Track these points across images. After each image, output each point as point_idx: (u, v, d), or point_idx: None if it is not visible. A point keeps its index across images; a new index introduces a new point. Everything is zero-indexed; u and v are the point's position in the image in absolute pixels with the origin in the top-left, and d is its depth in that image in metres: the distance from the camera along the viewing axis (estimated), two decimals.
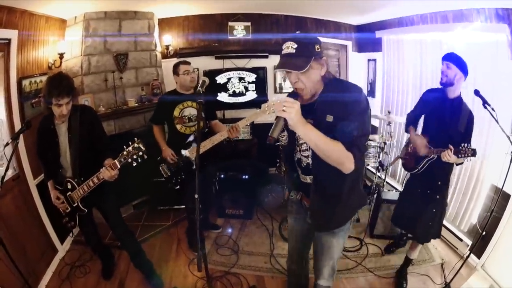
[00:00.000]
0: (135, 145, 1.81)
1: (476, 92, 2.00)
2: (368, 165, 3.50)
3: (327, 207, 1.51)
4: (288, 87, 4.22)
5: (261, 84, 3.98)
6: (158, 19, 3.73)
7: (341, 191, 1.46)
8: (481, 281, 2.37)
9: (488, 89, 2.37)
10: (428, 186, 2.19)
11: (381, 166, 3.37)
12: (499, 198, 2.18)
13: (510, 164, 1.95)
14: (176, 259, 2.80)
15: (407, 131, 2.40)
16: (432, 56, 3.09)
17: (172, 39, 3.81)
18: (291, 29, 4.16)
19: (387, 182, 3.66)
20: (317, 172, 1.45)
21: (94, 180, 1.94)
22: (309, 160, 1.48)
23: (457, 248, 2.78)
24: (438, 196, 2.17)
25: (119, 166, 1.86)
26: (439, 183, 2.17)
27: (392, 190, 3.49)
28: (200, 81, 1.84)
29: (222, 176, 3.36)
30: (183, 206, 3.42)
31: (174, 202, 3.50)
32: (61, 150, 2.05)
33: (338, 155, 1.26)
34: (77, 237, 2.95)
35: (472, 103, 2.60)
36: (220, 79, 3.88)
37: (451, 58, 2.01)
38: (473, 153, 1.89)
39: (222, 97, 3.93)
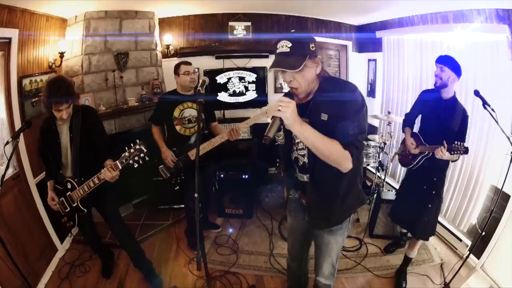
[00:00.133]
0: (137, 146, 1.81)
1: (476, 93, 2.01)
2: (368, 165, 3.51)
3: (324, 206, 1.52)
4: (288, 87, 4.23)
5: (261, 84, 3.98)
6: (159, 18, 3.73)
7: (338, 189, 1.46)
8: (480, 281, 2.37)
9: (488, 89, 2.37)
10: (424, 182, 2.25)
11: (381, 166, 3.38)
12: (499, 199, 2.19)
13: (510, 165, 1.95)
14: (175, 258, 2.80)
15: (403, 131, 2.48)
16: (432, 56, 3.08)
17: (172, 39, 3.81)
18: (291, 29, 4.16)
19: (387, 182, 3.66)
20: (313, 170, 1.45)
21: (95, 180, 1.94)
22: (306, 159, 1.48)
23: (456, 249, 2.78)
24: (434, 192, 2.22)
25: (120, 167, 1.87)
26: (435, 179, 2.22)
27: (391, 190, 3.49)
28: (200, 81, 1.84)
29: (222, 175, 3.36)
30: (182, 206, 3.43)
31: (174, 202, 3.50)
32: (62, 150, 2.06)
33: (335, 154, 1.26)
34: (76, 236, 2.95)
35: (472, 103, 2.62)
36: (220, 78, 3.89)
37: (444, 61, 2.07)
38: (465, 150, 1.95)
39: (222, 96, 3.94)
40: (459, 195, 2.83)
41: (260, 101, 4.00)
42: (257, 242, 3.02)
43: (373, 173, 3.55)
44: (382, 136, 3.46)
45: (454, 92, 2.13)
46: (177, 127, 2.59)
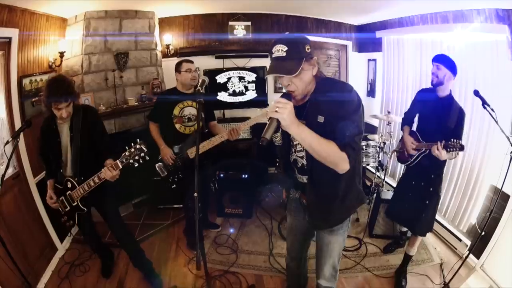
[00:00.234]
0: (137, 146, 1.82)
1: (476, 93, 2.02)
2: (368, 164, 3.51)
3: (324, 206, 1.52)
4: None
5: (261, 83, 3.98)
6: (159, 18, 3.73)
7: (337, 190, 1.46)
8: (480, 281, 2.37)
9: (488, 89, 2.37)
10: (422, 179, 2.29)
11: (380, 166, 3.38)
12: (498, 199, 2.18)
13: (509, 165, 1.95)
14: (175, 258, 2.81)
15: (402, 129, 2.51)
16: (432, 56, 3.09)
17: (172, 39, 3.82)
18: (291, 29, 4.16)
19: (386, 182, 3.66)
20: (312, 172, 1.45)
21: (95, 179, 1.95)
22: (304, 161, 1.48)
23: (456, 248, 2.78)
24: (431, 189, 2.25)
25: (120, 167, 1.87)
26: (432, 176, 2.26)
27: (391, 190, 3.49)
28: (200, 81, 1.84)
29: (221, 175, 3.36)
30: (182, 206, 3.42)
31: (174, 201, 3.50)
32: (63, 149, 2.06)
33: (332, 155, 1.25)
34: (76, 236, 2.96)
35: (472, 103, 2.62)
36: (220, 78, 3.89)
37: (441, 60, 2.11)
38: (461, 147, 1.97)
39: (222, 96, 3.94)
40: (459, 195, 2.83)
41: (260, 101, 4.00)
42: (257, 241, 3.02)
43: (372, 173, 3.55)
44: (381, 136, 3.46)
45: (450, 91, 2.16)
46: (177, 125, 2.58)
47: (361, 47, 4.56)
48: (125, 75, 3.40)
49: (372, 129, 4.20)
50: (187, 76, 2.55)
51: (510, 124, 2.29)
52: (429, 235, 2.97)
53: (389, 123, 3.36)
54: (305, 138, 1.23)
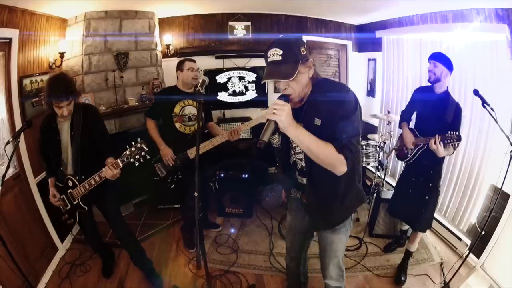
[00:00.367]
0: (138, 145, 1.83)
1: (475, 92, 2.03)
2: (368, 164, 3.51)
3: (324, 207, 1.53)
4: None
5: (261, 83, 3.98)
6: (159, 18, 3.73)
7: (337, 191, 1.47)
8: (480, 281, 2.38)
9: (488, 89, 2.38)
10: (421, 175, 2.33)
11: (380, 166, 3.38)
12: (499, 198, 2.18)
13: (509, 164, 1.95)
14: (175, 257, 2.81)
15: (400, 127, 2.54)
16: None
17: (172, 39, 3.82)
18: (291, 29, 4.17)
19: (386, 182, 3.66)
20: (311, 174, 1.45)
21: (96, 178, 1.95)
22: (303, 163, 1.49)
23: (456, 248, 2.78)
24: (430, 184, 2.29)
25: (121, 165, 1.88)
26: (431, 172, 2.29)
27: (391, 190, 3.50)
28: (200, 80, 1.84)
29: (222, 175, 3.36)
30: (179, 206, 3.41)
31: (174, 201, 3.50)
32: (63, 147, 2.06)
33: (330, 158, 1.25)
34: (77, 236, 2.96)
35: (472, 103, 2.62)
36: (220, 78, 3.89)
37: (437, 57, 2.16)
38: (458, 138, 2.01)
39: (222, 96, 3.94)
40: (459, 194, 2.84)
41: (260, 101, 4.01)
42: (257, 241, 3.02)
43: (373, 172, 3.56)
44: (381, 135, 3.47)
45: (447, 87, 2.21)
46: (177, 124, 2.56)
47: (361, 47, 4.57)
48: (125, 75, 3.40)
49: (372, 129, 4.21)
50: (189, 75, 2.55)
51: (510, 124, 2.30)
52: (429, 234, 2.99)
53: (389, 123, 3.36)
54: (303, 140, 1.22)
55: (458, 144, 2.04)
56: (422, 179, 2.32)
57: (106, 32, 3.18)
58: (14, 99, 2.39)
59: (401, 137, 2.55)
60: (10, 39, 2.31)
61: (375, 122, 4.24)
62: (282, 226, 3.15)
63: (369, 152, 3.33)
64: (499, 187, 2.08)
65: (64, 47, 2.97)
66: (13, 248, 2.01)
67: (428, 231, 2.94)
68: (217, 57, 4.01)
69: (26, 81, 2.50)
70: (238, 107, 4.04)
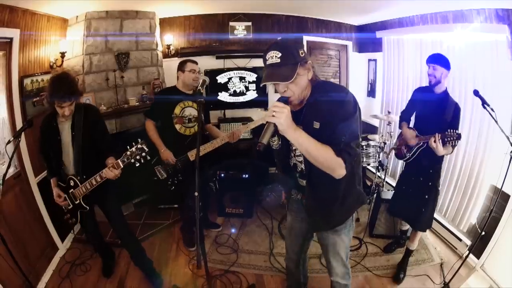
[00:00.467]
0: (139, 145, 1.84)
1: (476, 93, 2.04)
2: (368, 164, 3.51)
3: (324, 210, 1.53)
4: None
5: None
6: (160, 18, 3.74)
7: (336, 193, 1.46)
8: (480, 281, 2.38)
9: (488, 89, 2.38)
10: (421, 174, 2.35)
11: (380, 166, 3.38)
12: (499, 198, 2.18)
13: (509, 165, 1.95)
14: (176, 257, 2.81)
15: (400, 127, 2.57)
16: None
17: (173, 39, 3.82)
18: (292, 29, 4.17)
19: (386, 182, 3.66)
20: (310, 176, 1.45)
21: (97, 178, 1.96)
22: (303, 165, 1.48)
23: (456, 248, 2.78)
24: (430, 183, 2.31)
25: (122, 166, 1.89)
26: (431, 171, 2.31)
27: (391, 190, 3.50)
28: (200, 81, 1.84)
29: (222, 175, 3.37)
30: (178, 206, 3.41)
31: (174, 201, 3.50)
32: (64, 147, 2.07)
33: (329, 161, 1.24)
34: (77, 235, 2.96)
35: (472, 103, 2.62)
36: (221, 78, 3.89)
37: (435, 60, 2.18)
38: (458, 136, 2.03)
39: (223, 96, 3.95)
40: (459, 195, 2.83)
41: (261, 101, 4.02)
42: (257, 241, 3.03)
43: (373, 173, 3.56)
44: (382, 136, 3.46)
45: (446, 87, 2.24)
46: (177, 126, 2.55)
47: (362, 47, 4.57)
48: (126, 75, 3.41)
49: (373, 129, 4.21)
50: (190, 76, 2.54)
51: (510, 124, 2.29)
52: (429, 235, 2.99)
53: (389, 123, 3.36)
54: (302, 143, 1.22)
55: (457, 142, 2.06)
56: (422, 178, 2.33)
57: (107, 32, 3.19)
58: (15, 99, 2.40)
59: (400, 137, 2.56)
60: (11, 39, 2.32)
61: (375, 122, 4.24)
62: (282, 226, 3.15)
63: (369, 153, 3.33)
64: (499, 187, 2.08)
65: (65, 47, 2.98)
66: (14, 248, 2.01)
67: (428, 232, 2.95)
68: (217, 57, 4.02)
69: (27, 81, 2.51)
70: (238, 107, 4.04)
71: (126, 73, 3.41)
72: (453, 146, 2.12)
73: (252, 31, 4.02)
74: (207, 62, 3.92)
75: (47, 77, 2.71)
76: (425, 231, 2.51)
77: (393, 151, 2.68)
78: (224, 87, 3.92)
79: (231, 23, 3.98)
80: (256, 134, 3.90)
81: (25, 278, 2.01)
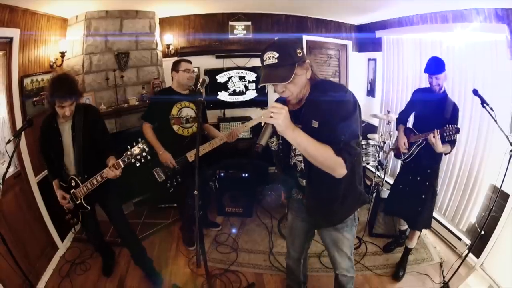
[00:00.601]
0: (139, 145, 1.84)
1: (475, 92, 2.04)
2: (368, 163, 3.51)
3: (324, 209, 1.53)
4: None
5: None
6: (159, 18, 3.74)
7: (337, 193, 1.46)
8: (479, 280, 2.38)
9: (487, 89, 2.38)
10: (418, 174, 2.36)
11: (380, 165, 3.38)
12: (498, 198, 2.18)
13: (508, 164, 1.95)
14: (175, 256, 2.82)
15: (397, 128, 2.61)
16: (430, 57, 3.10)
17: (173, 38, 3.82)
18: (291, 29, 4.18)
19: (386, 181, 3.66)
20: (310, 176, 1.45)
21: (98, 178, 1.97)
22: (303, 165, 1.48)
23: (456, 248, 2.78)
24: (427, 183, 2.32)
25: (122, 166, 1.89)
26: (428, 171, 2.32)
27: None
28: (200, 80, 1.84)
29: (222, 174, 3.37)
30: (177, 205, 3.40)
31: (174, 200, 3.50)
32: (65, 148, 2.07)
33: (329, 160, 1.23)
34: (77, 234, 2.97)
35: (471, 103, 2.63)
36: (221, 78, 3.90)
37: (435, 70, 2.19)
38: (457, 130, 2.07)
39: (223, 96, 3.95)
40: (459, 194, 2.84)
41: (260, 101, 4.02)
42: (257, 240, 3.03)
43: (372, 172, 3.56)
44: (381, 135, 3.47)
45: (445, 88, 2.28)
46: (175, 127, 2.53)
47: (361, 46, 4.57)
48: (126, 75, 3.41)
49: (372, 129, 4.21)
50: (185, 76, 2.51)
51: (510, 123, 2.30)
52: (429, 234, 2.99)
53: (389, 123, 3.36)
54: (301, 142, 1.21)
55: (456, 136, 2.09)
56: (419, 178, 2.35)
57: (107, 31, 3.19)
58: (15, 98, 2.40)
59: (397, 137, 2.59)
60: (11, 38, 2.32)
61: (375, 121, 4.25)
62: (282, 226, 3.15)
63: (369, 152, 3.33)
64: (499, 186, 2.08)
65: (65, 46, 2.98)
66: (14, 247, 2.01)
67: (427, 231, 2.95)
68: (217, 57, 4.02)
69: (27, 81, 2.51)
70: (238, 107, 4.05)
71: (126, 72, 3.41)
72: (453, 143, 2.13)
73: (252, 30, 4.02)
74: (206, 62, 3.93)
75: (47, 77, 2.72)
76: (421, 230, 2.52)
77: (392, 151, 2.69)
78: (223, 86, 3.93)
79: (230, 23, 3.98)
80: (256, 133, 3.90)
81: (25, 278, 2.02)
